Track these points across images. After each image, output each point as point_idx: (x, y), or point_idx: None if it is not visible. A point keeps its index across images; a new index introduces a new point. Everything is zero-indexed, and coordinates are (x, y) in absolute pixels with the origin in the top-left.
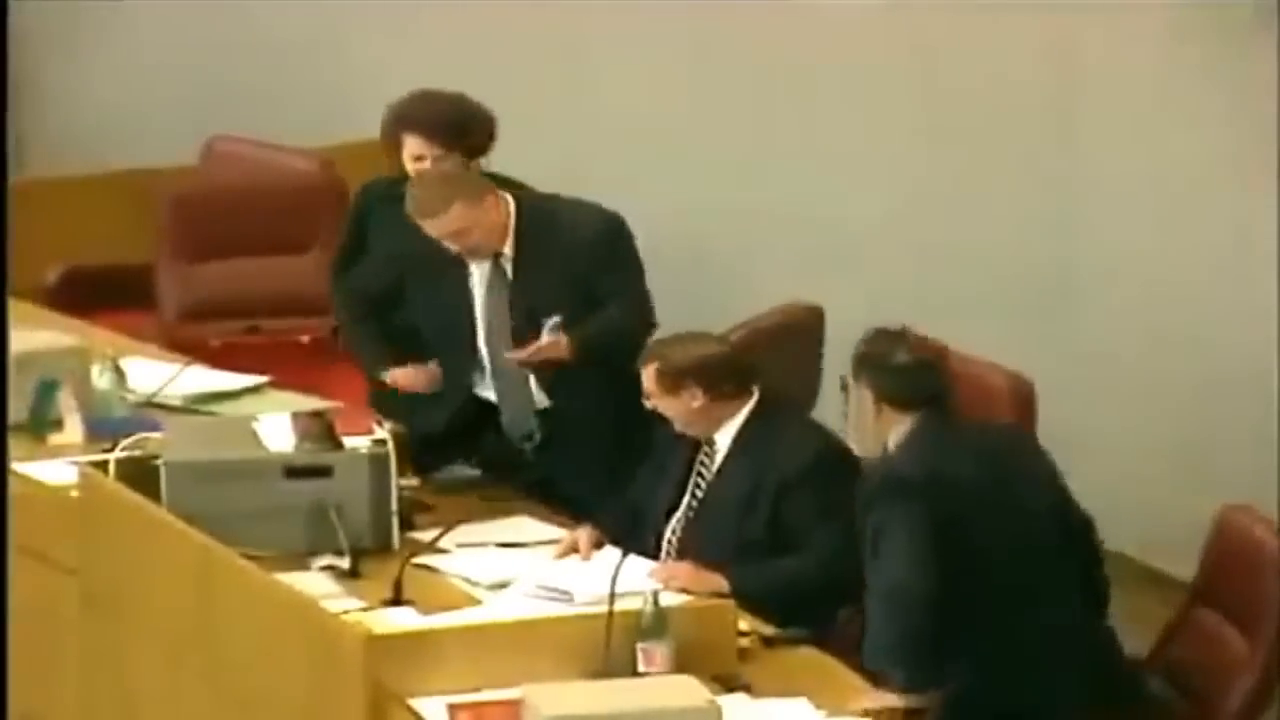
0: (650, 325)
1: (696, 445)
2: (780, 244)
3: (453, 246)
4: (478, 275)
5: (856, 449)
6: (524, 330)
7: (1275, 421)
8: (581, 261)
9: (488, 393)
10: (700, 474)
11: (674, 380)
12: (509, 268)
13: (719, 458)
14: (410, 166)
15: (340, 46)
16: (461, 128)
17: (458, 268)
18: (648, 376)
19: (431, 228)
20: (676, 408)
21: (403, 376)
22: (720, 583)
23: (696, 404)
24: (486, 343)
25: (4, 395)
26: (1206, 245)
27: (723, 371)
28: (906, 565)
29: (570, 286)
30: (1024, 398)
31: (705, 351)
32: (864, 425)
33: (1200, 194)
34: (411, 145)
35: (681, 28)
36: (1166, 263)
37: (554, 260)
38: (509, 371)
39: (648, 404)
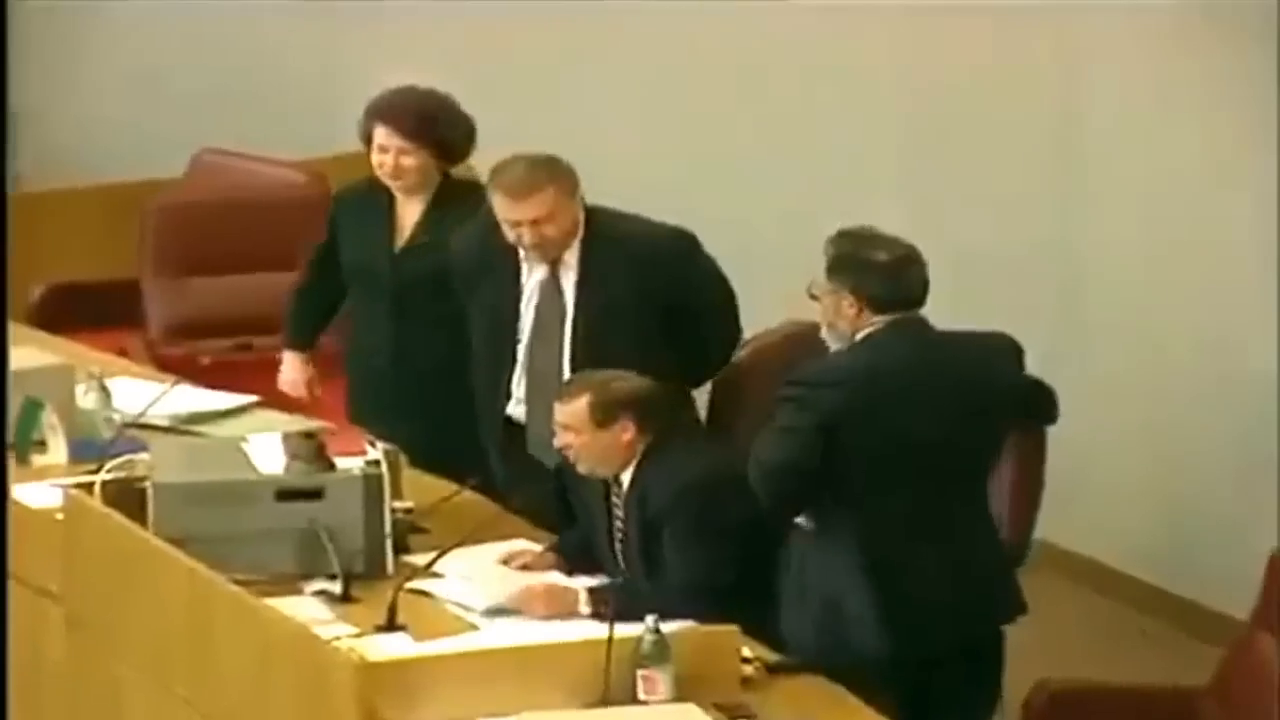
0: (737, 338)
1: (607, 484)
2: (775, 254)
3: (525, 237)
4: (530, 281)
5: (834, 343)
6: (579, 342)
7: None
8: (651, 280)
9: (515, 408)
10: (615, 515)
11: (608, 413)
12: (566, 277)
13: (623, 494)
14: (374, 159)
15: (333, 57)
16: (429, 121)
17: (506, 271)
18: (573, 410)
19: (514, 209)
20: (601, 443)
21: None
22: (571, 607)
23: (627, 437)
24: (530, 349)
25: (4, 405)
26: (1214, 248)
27: (655, 406)
28: (775, 442)
29: (635, 303)
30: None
31: (640, 384)
32: (840, 327)
33: (1210, 196)
34: (378, 135)
35: (673, 32)
36: (1174, 267)
37: (620, 274)
38: (544, 383)
39: (558, 442)
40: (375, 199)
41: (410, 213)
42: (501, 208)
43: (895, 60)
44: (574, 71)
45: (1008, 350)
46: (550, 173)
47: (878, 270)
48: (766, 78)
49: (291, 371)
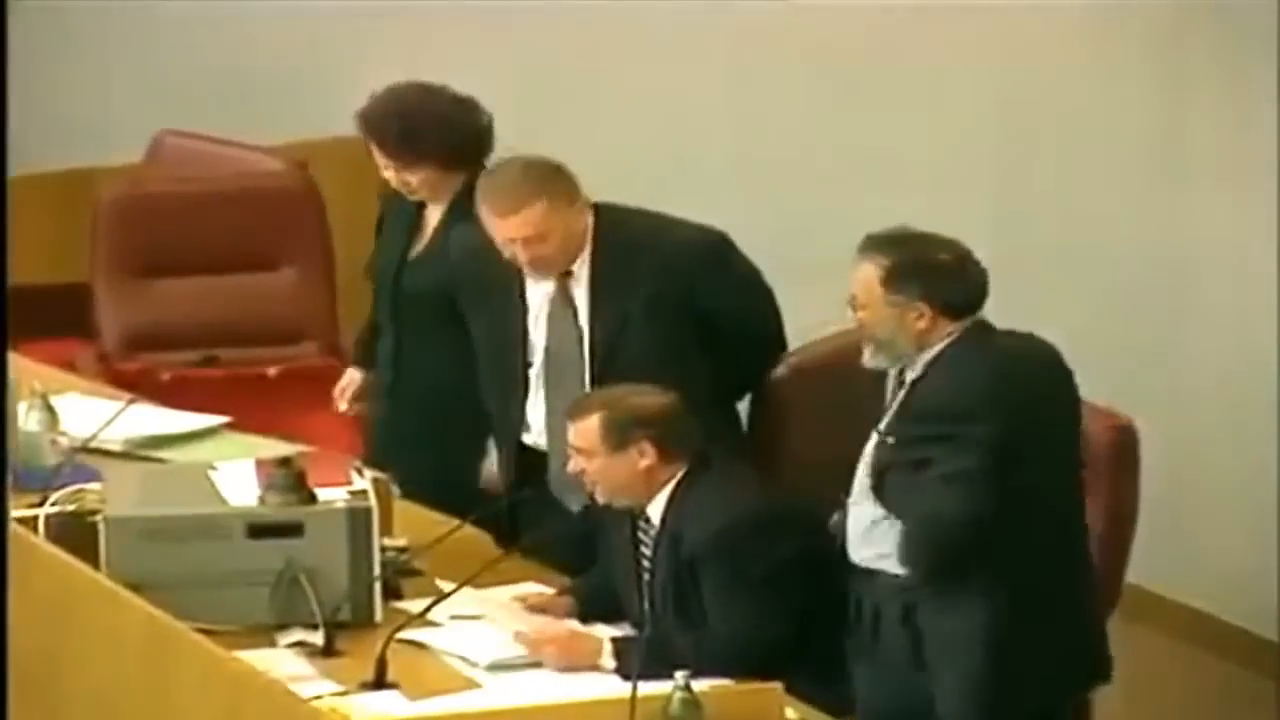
0: (778, 341)
1: (633, 518)
2: (816, 259)
3: (518, 255)
4: (536, 296)
5: (887, 364)
6: (600, 362)
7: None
8: (674, 285)
9: (536, 439)
10: (642, 553)
11: (623, 433)
12: (577, 290)
13: (653, 533)
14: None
15: (318, 27)
16: (414, 136)
17: (508, 286)
18: (584, 430)
19: (500, 227)
20: (617, 468)
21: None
22: (592, 658)
23: (645, 463)
24: (546, 374)
25: (4, 409)
26: None
27: (678, 427)
28: (952, 494)
29: (658, 313)
30: (1125, 446)
31: (660, 401)
32: (902, 343)
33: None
34: (375, 152)
35: (718, 19)
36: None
37: (638, 282)
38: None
39: (571, 467)
40: (409, 199)
41: (434, 217)
42: (487, 224)
43: (948, 59)
44: (596, 52)
45: (1057, 356)
46: (540, 184)
47: (947, 272)
48: (810, 77)
49: (346, 381)
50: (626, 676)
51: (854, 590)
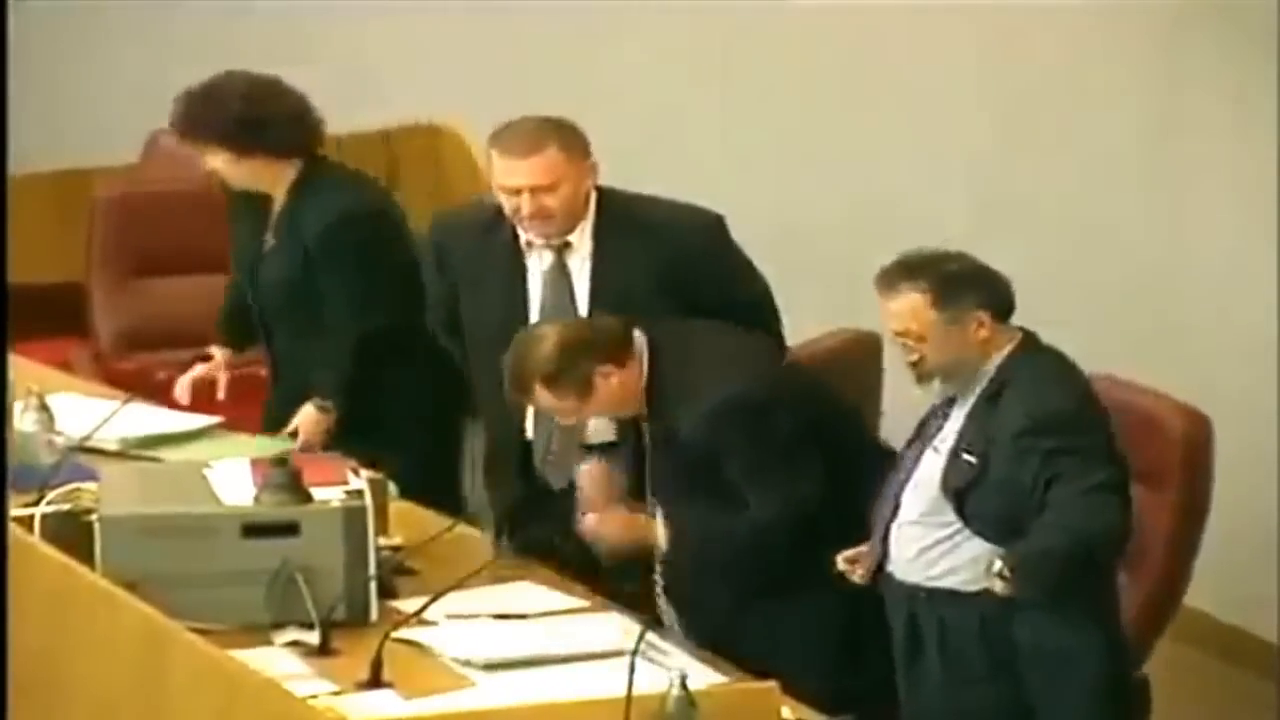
0: (779, 330)
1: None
2: (828, 260)
3: (522, 207)
4: (535, 275)
5: (957, 388)
6: None
7: None
8: (676, 268)
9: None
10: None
11: (575, 370)
12: (575, 262)
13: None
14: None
15: (314, 26)
16: (195, 120)
17: (508, 267)
18: (546, 400)
19: (513, 171)
20: (594, 408)
21: None
22: (644, 533)
23: (615, 380)
24: None
25: (4, 407)
26: None
27: (608, 336)
28: (1094, 508)
29: (657, 293)
30: (1199, 441)
31: (580, 325)
32: (969, 357)
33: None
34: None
35: (715, 17)
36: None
37: (639, 260)
38: None
39: (563, 424)
40: (256, 193)
41: (275, 210)
42: (499, 171)
43: (946, 59)
44: (600, 52)
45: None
46: (558, 133)
47: (987, 277)
48: (812, 74)
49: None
50: (657, 623)
51: (898, 604)
